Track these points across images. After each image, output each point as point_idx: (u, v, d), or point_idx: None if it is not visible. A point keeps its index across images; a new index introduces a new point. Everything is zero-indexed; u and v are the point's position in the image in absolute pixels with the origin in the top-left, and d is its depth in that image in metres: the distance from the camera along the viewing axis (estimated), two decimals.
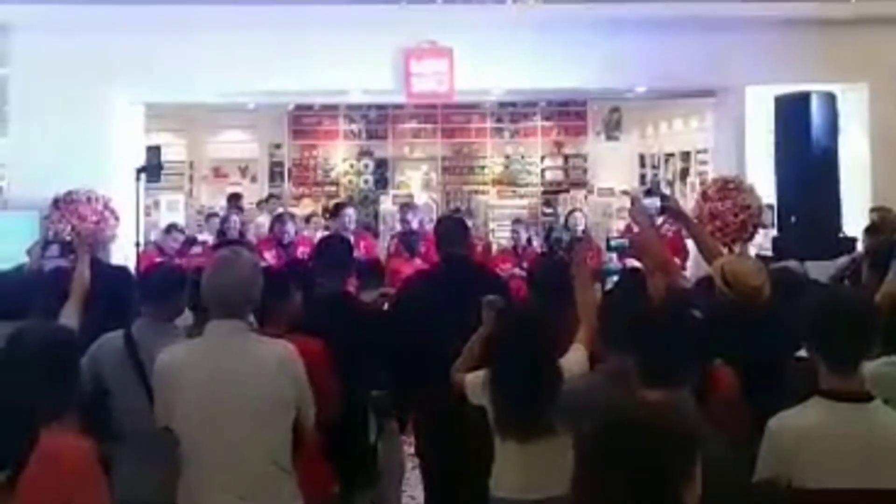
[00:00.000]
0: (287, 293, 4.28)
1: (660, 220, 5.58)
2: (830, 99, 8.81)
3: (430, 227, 10.25)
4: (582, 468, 2.10)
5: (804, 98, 8.75)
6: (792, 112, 8.83)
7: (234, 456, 3.39)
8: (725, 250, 7.16)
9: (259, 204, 13.39)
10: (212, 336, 3.54)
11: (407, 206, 10.80)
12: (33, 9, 9.52)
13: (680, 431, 2.10)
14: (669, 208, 5.16)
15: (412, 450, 5.39)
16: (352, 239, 7.46)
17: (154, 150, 8.18)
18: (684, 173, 14.53)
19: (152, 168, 8.14)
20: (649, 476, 2.01)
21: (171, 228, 10.03)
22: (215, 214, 11.40)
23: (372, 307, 5.32)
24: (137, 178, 7.83)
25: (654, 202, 5.02)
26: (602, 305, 4.29)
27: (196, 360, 3.49)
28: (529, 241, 10.47)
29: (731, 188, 9.24)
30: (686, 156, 14.60)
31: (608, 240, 7.14)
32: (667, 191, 13.51)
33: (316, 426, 3.74)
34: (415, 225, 9.90)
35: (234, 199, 13.12)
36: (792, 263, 5.21)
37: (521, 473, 3.95)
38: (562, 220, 12.14)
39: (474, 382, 4.15)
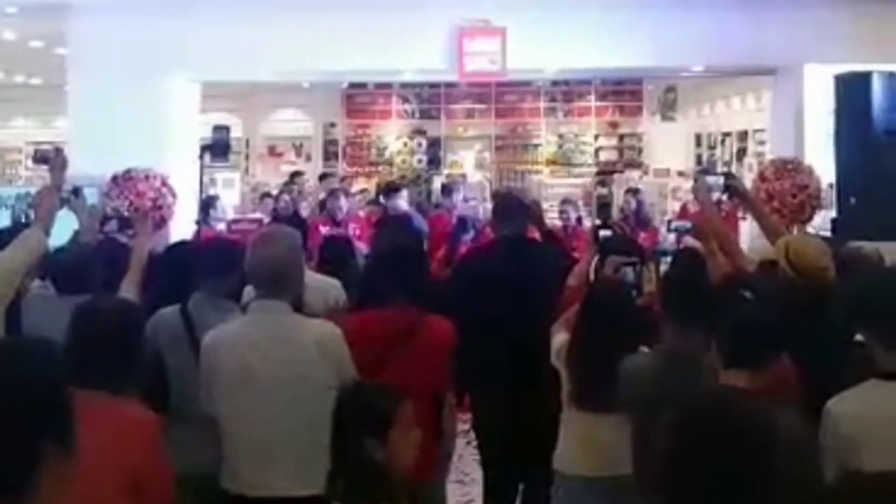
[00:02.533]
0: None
1: (715, 197, 5.51)
2: (892, 78, 8.63)
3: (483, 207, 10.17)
4: (672, 461, 2.05)
5: (865, 77, 8.57)
6: (852, 91, 8.66)
7: (271, 435, 3.42)
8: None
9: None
10: (252, 315, 3.57)
11: (449, 186, 10.53)
12: None
13: (769, 426, 2.08)
14: (733, 187, 5.09)
15: (465, 426, 5.40)
16: None
17: (223, 130, 8.15)
18: (741, 153, 14.33)
19: (220, 147, 8.14)
20: (749, 474, 1.98)
21: (212, 199, 9.88)
22: (269, 195, 11.43)
23: (434, 279, 5.29)
24: (201, 156, 7.89)
25: (718, 180, 4.95)
26: (666, 281, 4.24)
27: (235, 339, 3.52)
28: (580, 220, 10.42)
29: (789, 168, 9.09)
30: (743, 135, 14.40)
31: (669, 221, 7.09)
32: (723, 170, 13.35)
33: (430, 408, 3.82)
34: (458, 204, 9.64)
35: (296, 176, 12.96)
36: (869, 246, 5.09)
37: (594, 449, 3.92)
38: (620, 199, 11.84)
39: (557, 346, 4.14)
